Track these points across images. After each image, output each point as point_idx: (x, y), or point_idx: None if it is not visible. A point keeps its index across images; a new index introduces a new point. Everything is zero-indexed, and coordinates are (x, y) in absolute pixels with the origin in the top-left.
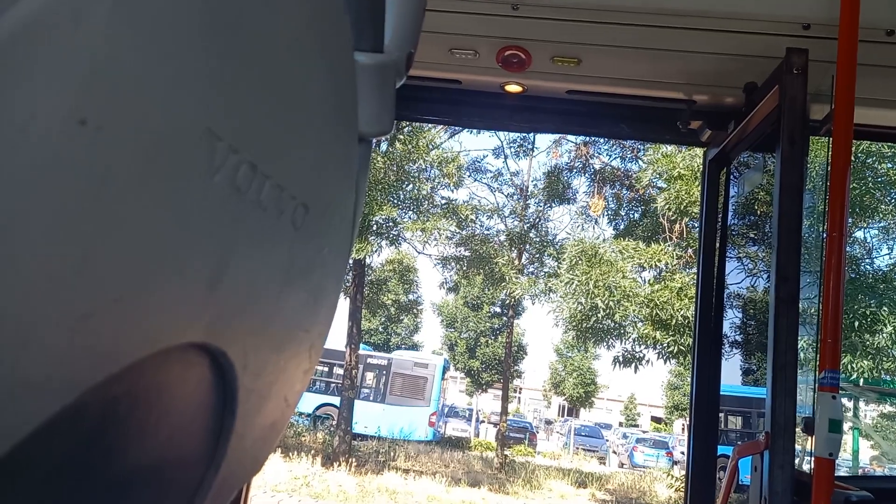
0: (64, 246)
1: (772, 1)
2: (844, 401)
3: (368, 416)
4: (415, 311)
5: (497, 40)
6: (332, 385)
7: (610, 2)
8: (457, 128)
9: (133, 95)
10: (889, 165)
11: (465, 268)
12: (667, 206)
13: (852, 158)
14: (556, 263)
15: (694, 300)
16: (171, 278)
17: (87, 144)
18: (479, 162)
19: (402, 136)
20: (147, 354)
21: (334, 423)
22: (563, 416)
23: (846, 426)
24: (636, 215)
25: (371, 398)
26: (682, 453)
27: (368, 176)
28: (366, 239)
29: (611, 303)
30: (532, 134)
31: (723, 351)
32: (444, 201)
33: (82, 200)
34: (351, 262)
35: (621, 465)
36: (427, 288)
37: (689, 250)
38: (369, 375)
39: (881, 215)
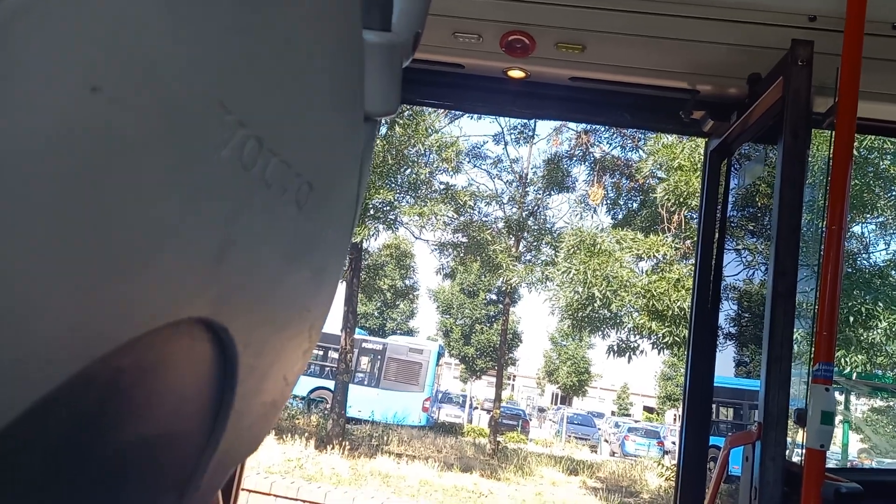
0: (73, 213)
1: None
2: (836, 394)
3: (362, 401)
4: (411, 296)
5: (501, 25)
6: (327, 368)
7: None
8: (457, 112)
9: (148, 65)
10: (889, 161)
11: (462, 254)
12: (666, 196)
13: (854, 154)
14: (553, 252)
15: (691, 291)
16: (178, 250)
17: (99, 111)
18: (478, 148)
19: (401, 120)
20: (153, 328)
21: (328, 406)
22: (555, 404)
23: (836, 419)
24: (635, 205)
25: (365, 382)
26: (674, 443)
27: (373, 156)
28: (363, 222)
29: (607, 292)
30: (533, 121)
31: (717, 343)
32: (442, 186)
33: (92, 167)
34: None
35: (612, 454)
36: (423, 273)
37: (688, 241)
38: (364, 360)
39: (879, 211)
